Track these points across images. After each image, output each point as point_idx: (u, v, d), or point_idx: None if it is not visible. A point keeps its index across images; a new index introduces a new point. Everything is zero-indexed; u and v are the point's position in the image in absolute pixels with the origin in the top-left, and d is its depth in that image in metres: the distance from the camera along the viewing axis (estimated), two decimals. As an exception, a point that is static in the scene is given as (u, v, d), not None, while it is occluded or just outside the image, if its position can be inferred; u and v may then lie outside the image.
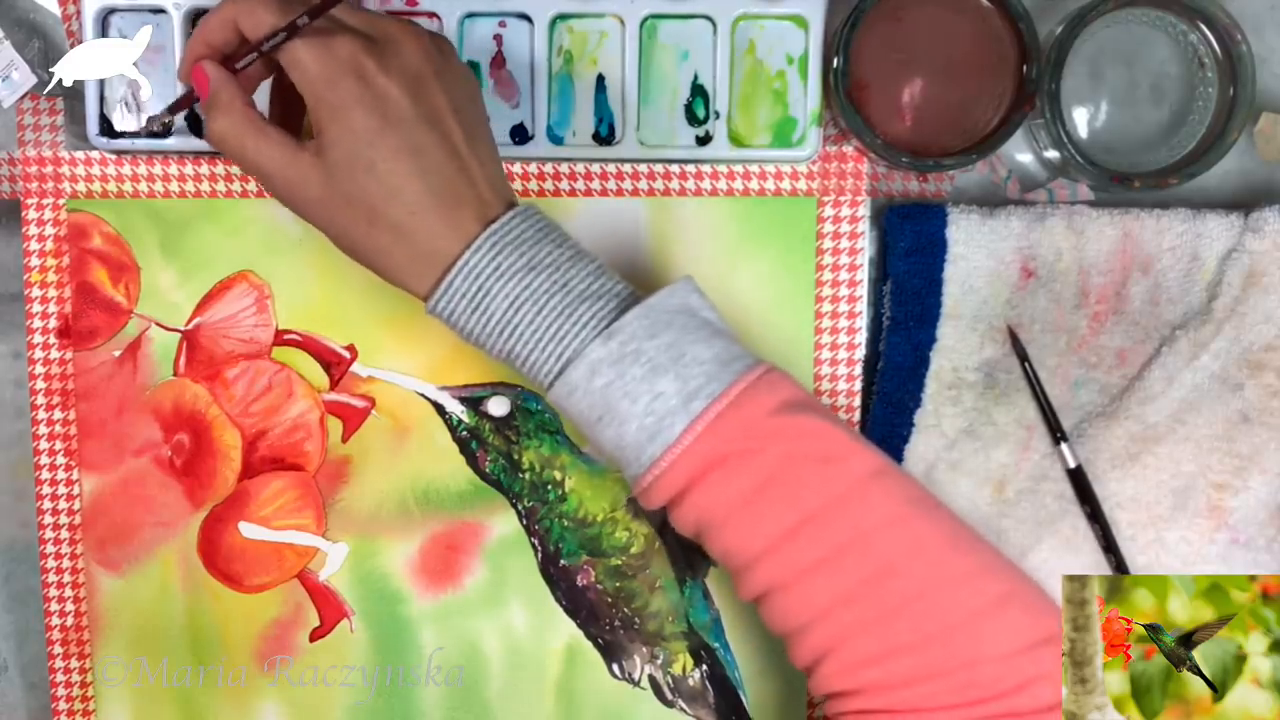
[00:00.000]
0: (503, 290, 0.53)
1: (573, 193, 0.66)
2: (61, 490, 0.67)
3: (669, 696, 0.68)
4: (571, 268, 0.54)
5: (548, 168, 0.66)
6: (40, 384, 0.67)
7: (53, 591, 0.68)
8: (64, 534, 0.67)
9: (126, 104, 0.65)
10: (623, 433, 0.53)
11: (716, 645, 0.68)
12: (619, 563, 0.67)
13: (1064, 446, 0.64)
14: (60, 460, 0.67)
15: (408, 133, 0.53)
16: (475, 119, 0.55)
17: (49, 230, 0.67)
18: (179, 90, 0.61)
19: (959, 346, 0.64)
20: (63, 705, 0.68)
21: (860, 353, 0.66)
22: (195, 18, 0.64)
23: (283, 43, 0.53)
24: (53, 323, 0.67)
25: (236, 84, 0.54)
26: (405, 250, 0.54)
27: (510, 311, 0.53)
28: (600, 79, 0.65)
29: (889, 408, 0.65)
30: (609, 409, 0.53)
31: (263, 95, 0.57)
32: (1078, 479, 0.64)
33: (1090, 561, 0.64)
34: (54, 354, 0.67)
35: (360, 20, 0.54)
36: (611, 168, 0.66)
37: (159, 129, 0.57)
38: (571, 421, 0.55)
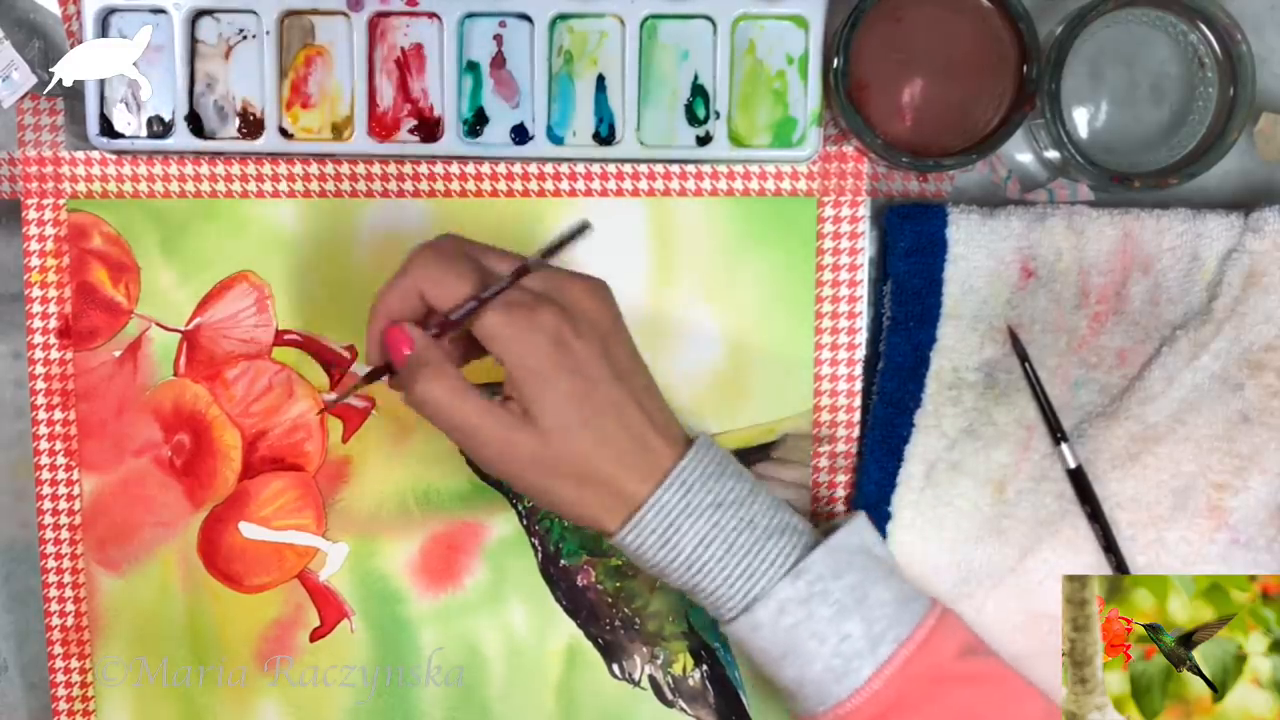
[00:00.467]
0: (692, 528, 0.55)
1: (573, 193, 0.66)
2: (61, 490, 0.67)
3: (669, 696, 0.68)
4: (754, 503, 0.56)
5: (548, 168, 0.66)
6: (40, 384, 0.67)
7: (53, 591, 0.68)
8: (64, 534, 0.67)
9: (126, 104, 0.65)
10: (806, 671, 0.55)
11: (716, 645, 0.68)
12: (619, 563, 0.67)
13: (1064, 446, 0.64)
14: (60, 460, 0.67)
15: (606, 391, 0.55)
16: (642, 365, 0.58)
17: (49, 230, 0.67)
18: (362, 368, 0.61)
19: (959, 346, 0.64)
20: (63, 705, 0.68)
21: (860, 353, 0.66)
22: (195, 18, 0.64)
23: (474, 310, 0.54)
24: (53, 323, 0.67)
25: (443, 349, 0.55)
26: (602, 496, 0.55)
27: (700, 548, 0.55)
28: (600, 79, 0.65)
29: (889, 408, 0.65)
30: (794, 647, 0.55)
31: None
32: (1078, 479, 0.64)
33: (1091, 561, 0.64)
34: (54, 354, 0.67)
35: (541, 283, 0.55)
36: (611, 168, 0.66)
37: (359, 400, 0.61)
38: (748, 655, 0.57)
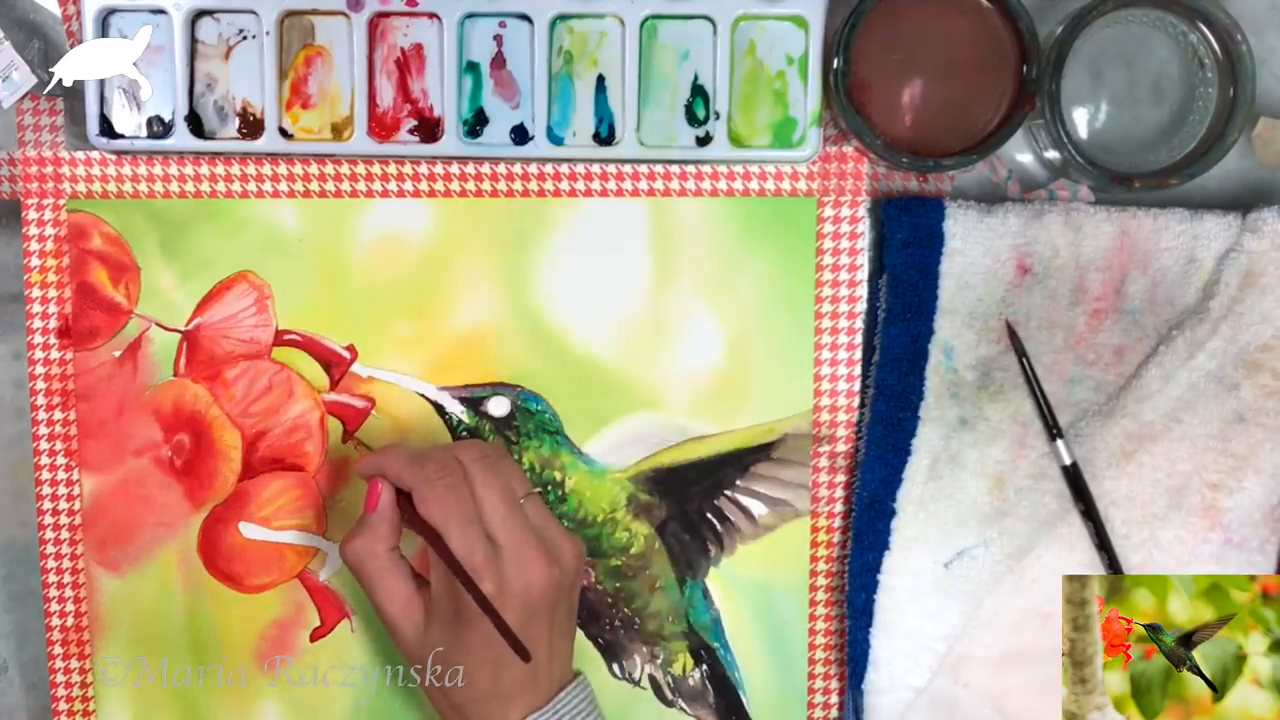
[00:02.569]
0: None
1: (573, 193, 0.66)
2: (61, 490, 0.67)
3: (669, 696, 0.68)
4: None
5: (548, 168, 0.66)
6: (40, 384, 0.67)
7: (53, 591, 0.68)
8: (64, 534, 0.67)
9: (126, 104, 0.65)
10: None
11: (716, 645, 0.68)
12: (619, 563, 0.67)
13: (1059, 443, 0.64)
14: (60, 460, 0.67)
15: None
16: (572, 626, 0.62)
17: (49, 230, 0.67)
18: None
19: (955, 342, 0.64)
20: (63, 705, 0.68)
21: (860, 353, 0.66)
22: (195, 18, 0.64)
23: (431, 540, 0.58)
24: (53, 323, 0.67)
25: (398, 521, 0.60)
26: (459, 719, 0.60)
27: None
28: (600, 79, 0.65)
29: (890, 402, 0.65)
30: None
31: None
32: (1072, 476, 0.64)
33: (1088, 560, 0.64)
34: (54, 354, 0.67)
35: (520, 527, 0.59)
36: (611, 168, 0.66)
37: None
38: None
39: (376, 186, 0.66)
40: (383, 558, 0.60)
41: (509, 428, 0.67)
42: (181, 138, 0.65)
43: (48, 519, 0.67)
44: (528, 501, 0.60)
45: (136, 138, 0.65)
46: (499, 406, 0.67)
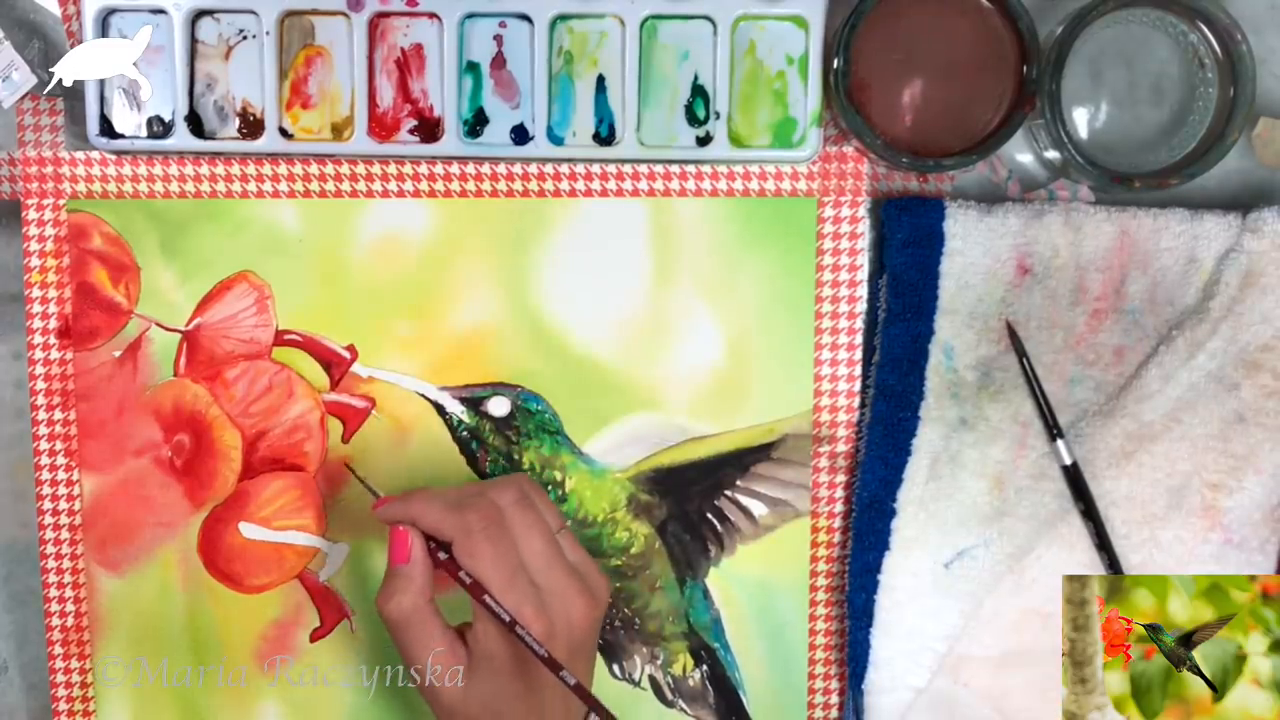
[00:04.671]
0: None
1: (573, 193, 0.66)
2: (61, 490, 0.67)
3: (669, 696, 0.68)
4: None
5: (548, 168, 0.66)
6: (40, 384, 0.67)
7: (53, 591, 0.68)
8: (64, 534, 0.67)
9: (126, 104, 0.65)
10: None
11: (717, 645, 0.68)
12: (619, 563, 0.67)
13: (1059, 443, 0.64)
14: (60, 460, 0.67)
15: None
16: (592, 653, 0.59)
17: (49, 230, 0.67)
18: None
19: (955, 342, 0.64)
20: (63, 705, 0.68)
21: (860, 353, 0.66)
22: (195, 18, 0.64)
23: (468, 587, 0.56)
24: (53, 323, 0.67)
25: (431, 570, 0.57)
26: None
27: None
28: (600, 79, 0.65)
29: (890, 401, 0.65)
30: None
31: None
32: (1072, 476, 0.64)
33: (1087, 560, 0.64)
34: (54, 354, 0.67)
35: (545, 581, 0.57)
36: (611, 168, 0.66)
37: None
38: None
39: (376, 186, 0.66)
40: (425, 610, 0.57)
41: (509, 428, 0.67)
42: (181, 138, 0.65)
43: (48, 519, 0.67)
44: (562, 536, 0.58)
45: (136, 138, 0.65)
46: (499, 406, 0.67)
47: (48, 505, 0.67)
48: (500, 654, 0.56)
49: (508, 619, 0.55)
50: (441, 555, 0.57)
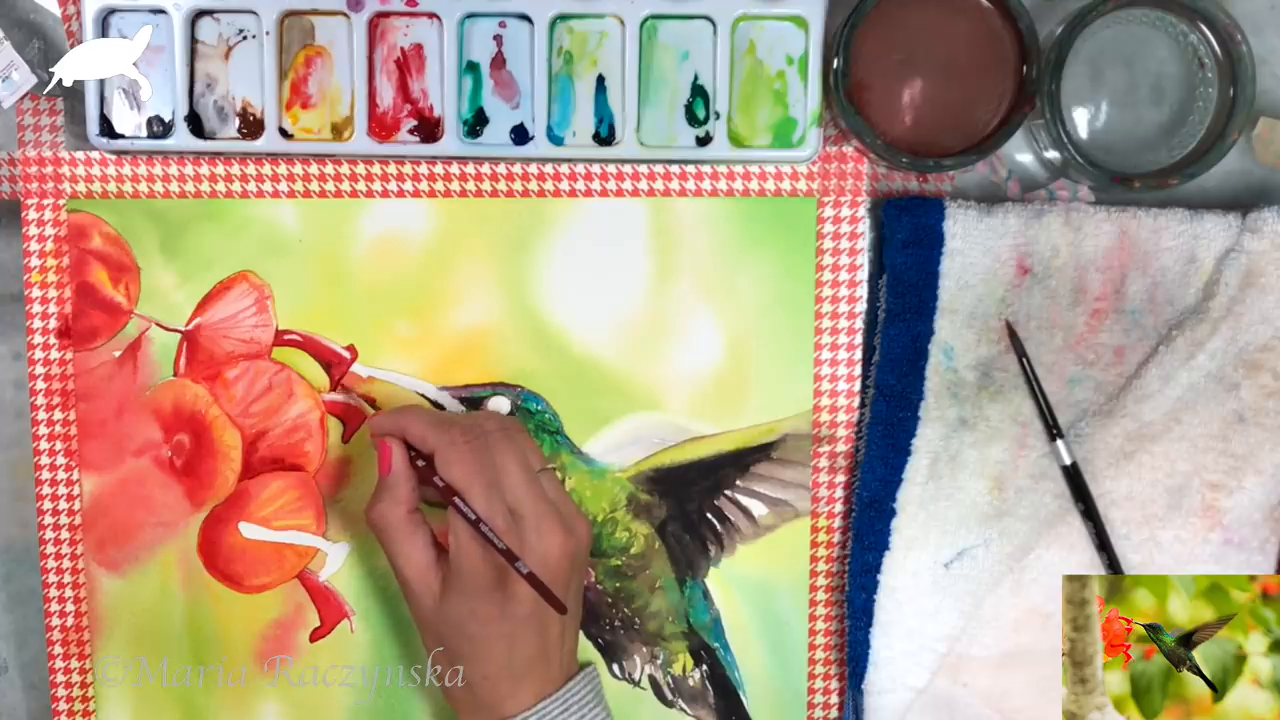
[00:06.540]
0: None
1: (573, 193, 0.66)
2: (61, 490, 0.67)
3: (669, 696, 0.68)
4: None
5: (548, 168, 0.66)
6: (40, 384, 0.67)
7: (53, 591, 0.68)
8: (64, 534, 0.67)
9: (126, 104, 0.65)
10: None
11: (716, 645, 0.68)
12: (619, 563, 0.67)
13: (1059, 443, 0.64)
14: (60, 460, 0.67)
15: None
16: (579, 590, 0.62)
17: (49, 230, 0.67)
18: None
19: (955, 342, 0.64)
20: (63, 705, 0.68)
21: (860, 353, 0.66)
22: (195, 18, 0.64)
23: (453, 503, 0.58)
24: (53, 323, 0.67)
25: (415, 481, 0.60)
26: (470, 698, 0.60)
27: None
28: (600, 79, 0.65)
29: (890, 401, 0.65)
30: None
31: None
32: (1072, 476, 0.64)
33: (1087, 560, 0.64)
34: (54, 354, 0.67)
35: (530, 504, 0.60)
36: (611, 168, 0.66)
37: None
38: None
39: (376, 186, 0.66)
40: (405, 519, 0.60)
41: (509, 428, 0.67)
42: (181, 138, 0.65)
43: (48, 519, 0.67)
44: (543, 475, 0.61)
45: (136, 138, 0.65)
46: (499, 406, 0.67)
47: (48, 505, 0.67)
48: (473, 572, 0.58)
49: (474, 517, 0.57)
50: (420, 463, 0.60)
